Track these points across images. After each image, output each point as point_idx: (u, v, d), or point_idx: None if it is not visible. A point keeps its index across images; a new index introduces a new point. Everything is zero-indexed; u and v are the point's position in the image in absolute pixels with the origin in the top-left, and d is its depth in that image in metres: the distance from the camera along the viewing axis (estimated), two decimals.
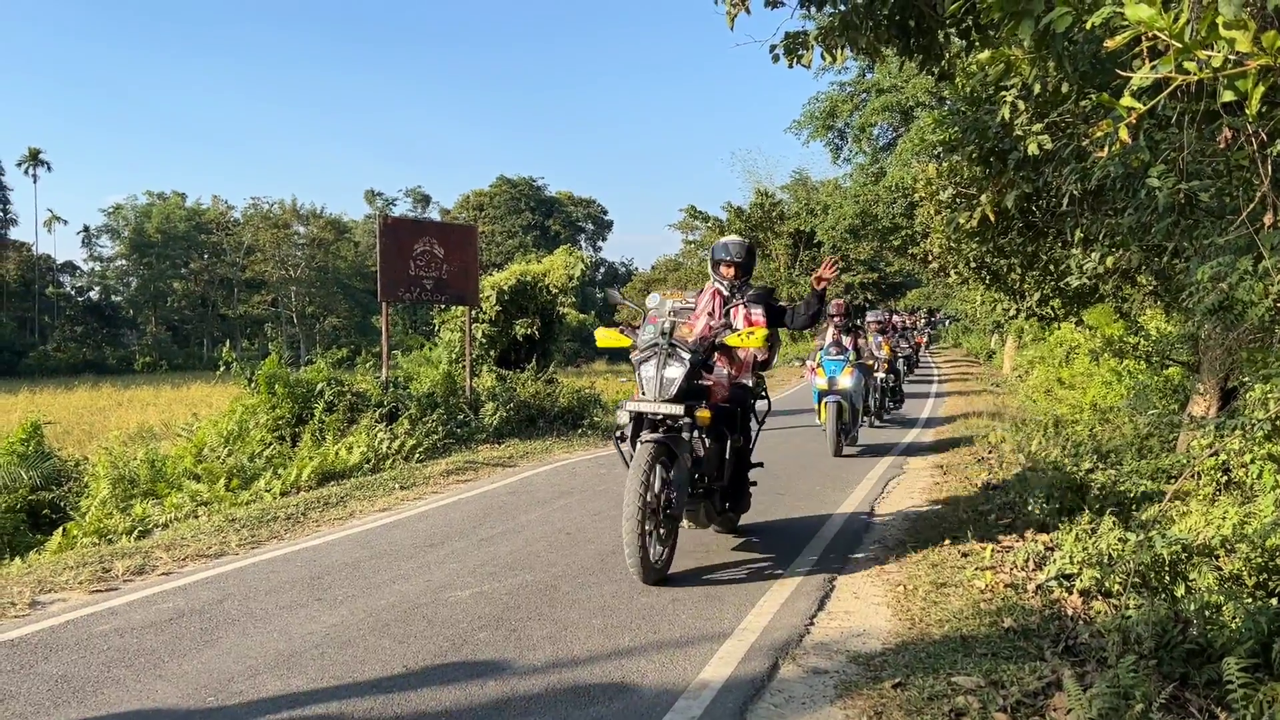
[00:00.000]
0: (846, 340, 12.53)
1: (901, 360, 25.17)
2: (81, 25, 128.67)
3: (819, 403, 12.02)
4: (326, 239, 79.59)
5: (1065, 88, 5.21)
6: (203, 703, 3.88)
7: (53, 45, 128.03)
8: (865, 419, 13.69)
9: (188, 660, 4.37)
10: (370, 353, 18.57)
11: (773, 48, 7.19)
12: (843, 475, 10.16)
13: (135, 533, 7.93)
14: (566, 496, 8.73)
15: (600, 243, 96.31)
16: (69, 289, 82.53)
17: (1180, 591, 5.13)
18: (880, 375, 15.95)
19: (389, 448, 10.84)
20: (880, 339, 16.74)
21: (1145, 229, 5.73)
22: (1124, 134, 2.42)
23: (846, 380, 11.86)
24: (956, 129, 7.91)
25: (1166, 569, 5.31)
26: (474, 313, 15.14)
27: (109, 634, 4.77)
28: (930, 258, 11.66)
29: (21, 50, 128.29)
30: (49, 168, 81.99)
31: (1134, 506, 7.09)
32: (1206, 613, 4.42)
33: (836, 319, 12.62)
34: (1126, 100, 2.31)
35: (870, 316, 18.18)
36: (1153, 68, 2.29)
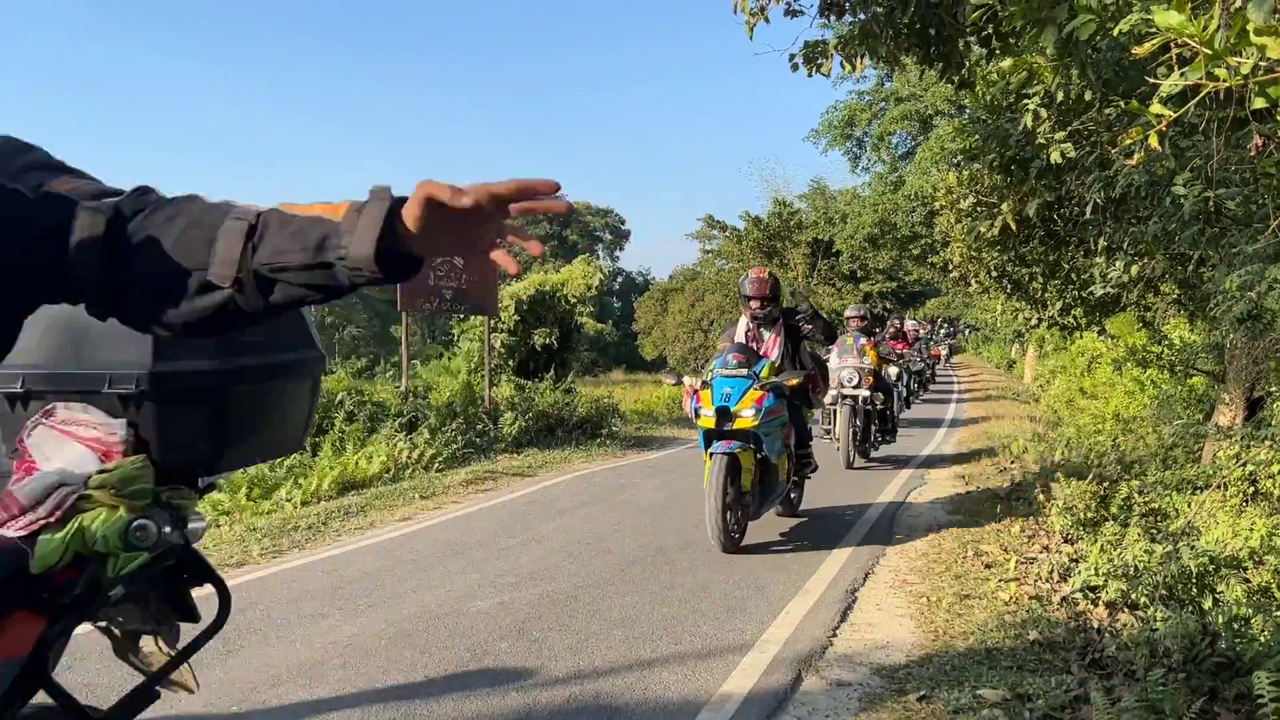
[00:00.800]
0: (769, 339, 7.63)
1: (910, 377, 19.77)
2: (96, 30, 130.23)
3: (706, 453, 6.83)
4: None
5: (1089, 95, 5.19)
6: (226, 711, 3.89)
7: (67, 50, 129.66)
8: (802, 476, 8.03)
9: (211, 669, 4.38)
10: (389, 362, 18.65)
11: (792, 57, 7.21)
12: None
13: None
14: (586, 506, 8.72)
15: (618, 252, 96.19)
16: None
17: (1208, 604, 5.08)
18: (863, 394, 11.56)
19: (409, 457, 10.86)
20: (863, 341, 12.22)
21: (1170, 237, 5.69)
22: (1154, 141, 2.40)
23: (750, 412, 6.70)
24: (977, 137, 7.89)
25: (1194, 581, 5.26)
26: (493, 322, 15.18)
27: None
28: (951, 267, 11.62)
29: (36, 54, 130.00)
30: None
31: (1159, 518, 7.03)
32: (1235, 625, 4.37)
33: (754, 302, 7.62)
34: (1156, 107, 2.30)
35: (851, 311, 14.01)
36: (1182, 75, 2.27)
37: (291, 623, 5.10)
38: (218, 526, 8.28)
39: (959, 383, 32.42)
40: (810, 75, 7.14)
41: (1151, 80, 2.50)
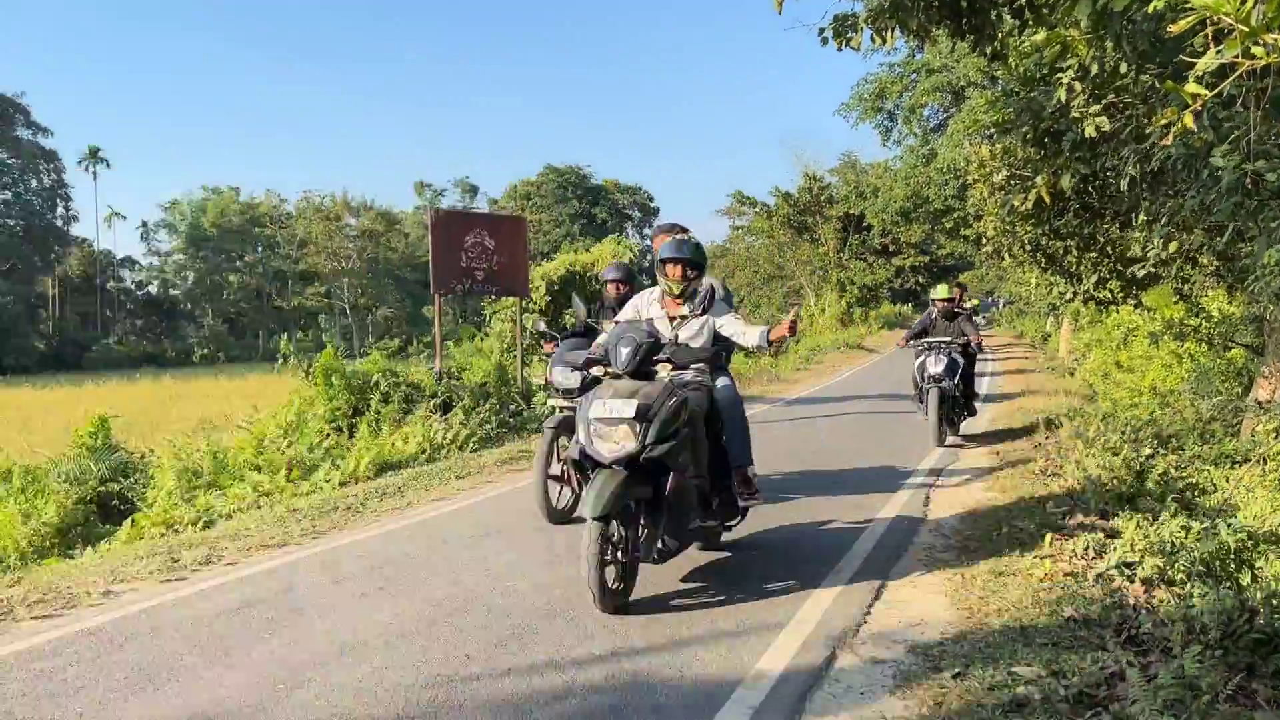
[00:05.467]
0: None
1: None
2: (140, 10, 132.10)
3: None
4: (377, 231, 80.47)
5: (1123, 68, 5.12)
6: (272, 690, 3.98)
7: (110, 34, 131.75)
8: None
9: (255, 649, 4.49)
10: (422, 343, 18.75)
11: (821, 30, 7.16)
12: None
13: (200, 523, 8.12)
14: None
15: (646, 230, 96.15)
16: (129, 283, 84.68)
17: (1246, 580, 5.05)
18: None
19: (444, 438, 10.98)
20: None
21: (1208, 210, 5.61)
22: (1188, 120, 2.38)
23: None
24: (1010, 110, 7.80)
25: (1232, 557, 5.22)
26: (524, 303, 15.24)
27: (180, 623, 4.91)
28: (984, 240, 11.52)
29: (80, 39, 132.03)
30: (108, 164, 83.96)
31: (1197, 493, 6.97)
32: (1274, 601, 4.34)
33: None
34: (1191, 86, 2.27)
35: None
36: (1218, 52, 2.25)
37: (333, 603, 5.20)
38: (258, 508, 8.43)
39: (989, 372, 24.03)
40: (840, 49, 7.09)
41: (1187, 56, 2.48)
